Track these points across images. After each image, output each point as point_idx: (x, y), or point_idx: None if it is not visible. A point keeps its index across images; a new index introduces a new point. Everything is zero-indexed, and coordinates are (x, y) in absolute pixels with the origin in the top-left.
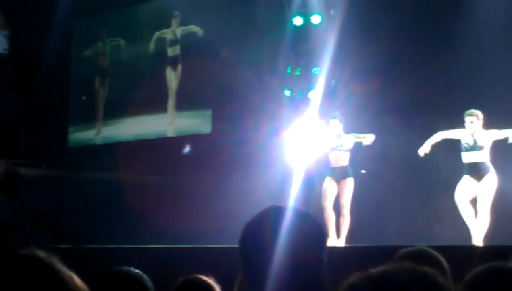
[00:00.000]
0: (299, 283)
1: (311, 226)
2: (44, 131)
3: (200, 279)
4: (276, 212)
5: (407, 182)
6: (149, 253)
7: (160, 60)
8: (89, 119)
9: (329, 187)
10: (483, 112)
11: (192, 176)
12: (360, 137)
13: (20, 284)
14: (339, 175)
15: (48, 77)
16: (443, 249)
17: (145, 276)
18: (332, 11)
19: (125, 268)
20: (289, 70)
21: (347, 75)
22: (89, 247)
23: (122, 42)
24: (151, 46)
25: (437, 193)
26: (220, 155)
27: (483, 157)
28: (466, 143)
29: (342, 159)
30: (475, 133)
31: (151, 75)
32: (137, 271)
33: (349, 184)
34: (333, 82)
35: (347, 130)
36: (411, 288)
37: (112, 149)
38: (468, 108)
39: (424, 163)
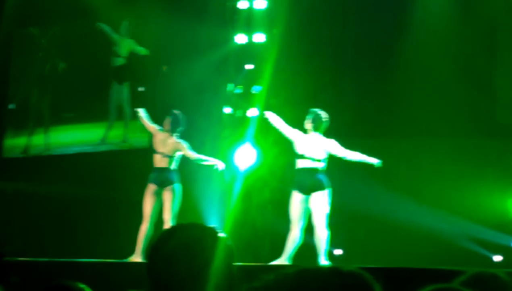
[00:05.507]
0: None
1: (220, 244)
2: None
3: None
4: (181, 231)
5: None
6: (85, 267)
7: (104, 71)
8: (24, 130)
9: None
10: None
11: (131, 190)
12: None
13: None
14: None
15: None
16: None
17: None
18: (275, 30)
19: (68, 282)
20: (229, 88)
21: (287, 94)
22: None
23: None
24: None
25: None
26: None
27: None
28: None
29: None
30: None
31: (92, 88)
32: (81, 285)
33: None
34: (272, 101)
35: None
36: None
37: (49, 161)
38: (406, 130)
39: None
